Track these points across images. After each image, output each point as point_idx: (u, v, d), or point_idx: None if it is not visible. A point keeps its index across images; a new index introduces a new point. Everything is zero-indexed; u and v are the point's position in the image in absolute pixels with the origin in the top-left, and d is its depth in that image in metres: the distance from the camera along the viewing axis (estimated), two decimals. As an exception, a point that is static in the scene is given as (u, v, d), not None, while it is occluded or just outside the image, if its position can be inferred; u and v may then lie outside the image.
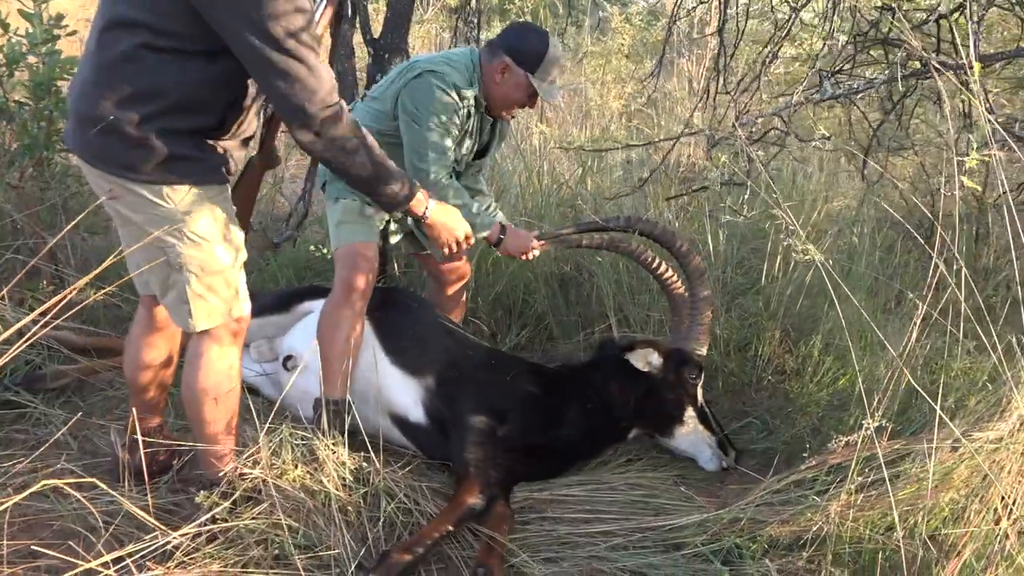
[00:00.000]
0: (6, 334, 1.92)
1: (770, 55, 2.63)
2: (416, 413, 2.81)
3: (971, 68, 1.47)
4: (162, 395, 2.49)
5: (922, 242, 2.21)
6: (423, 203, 2.37)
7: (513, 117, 3.14)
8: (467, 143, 3.00)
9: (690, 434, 2.86)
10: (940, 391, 1.88)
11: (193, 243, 2.08)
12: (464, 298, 3.41)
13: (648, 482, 2.78)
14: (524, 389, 2.83)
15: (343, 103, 2.01)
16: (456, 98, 2.82)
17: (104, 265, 2.05)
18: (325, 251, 3.07)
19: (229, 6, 1.82)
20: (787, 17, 2.54)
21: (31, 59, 3.28)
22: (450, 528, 2.34)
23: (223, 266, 2.14)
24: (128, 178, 1.99)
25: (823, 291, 3.19)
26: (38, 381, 2.94)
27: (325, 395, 2.65)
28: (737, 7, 2.94)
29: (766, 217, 2.76)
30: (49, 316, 1.85)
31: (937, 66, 1.73)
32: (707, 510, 2.35)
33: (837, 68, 2.54)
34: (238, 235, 2.21)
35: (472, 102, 2.89)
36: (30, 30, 3.25)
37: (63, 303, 1.91)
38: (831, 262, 3.43)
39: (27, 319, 1.99)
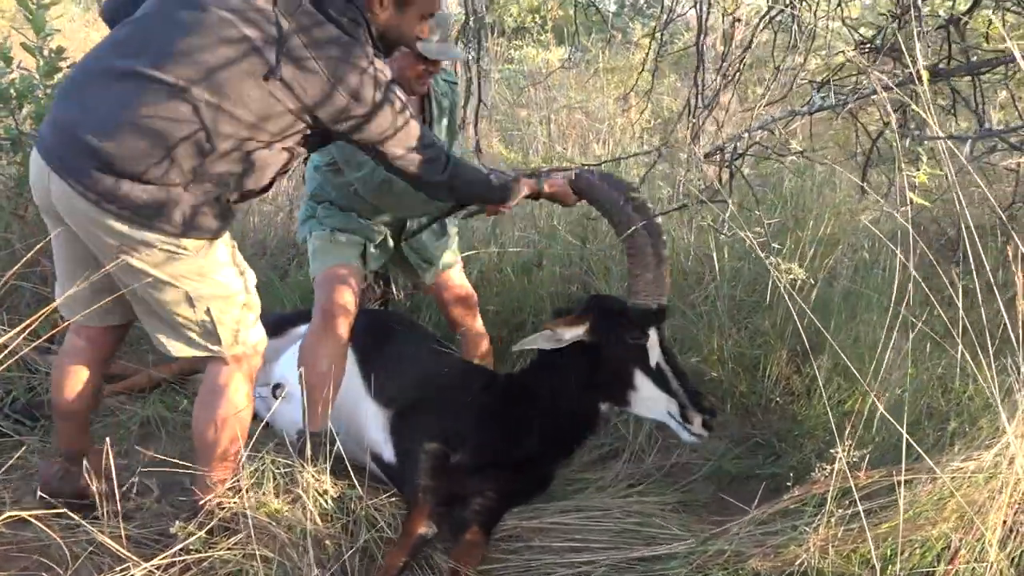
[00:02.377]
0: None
1: (740, 65, 2.56)
2: (388, 451, 2.75)
3: (919, 79, 1.39)
4: (86, 415, 2.51)
5: (931, 257, 2.11)
6: (532, 185, 2.67)
7: (422, 91, 2.91)
8: None
9: (647, 400, 2.62)
10: (942, 415, 1.79)
11: (222, 277, 2.15)
12: (478, 321, 3.36)
13: (646, 508, 2.69)
14: (480, 408, 2.73)
15: (444, 152, 2.30)
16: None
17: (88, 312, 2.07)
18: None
19: (370, 134, 2.10)
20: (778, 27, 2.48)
21: (38, 92, 3.35)
22: (404, 559, 2.29)
23: (238, 290, 2.20)
24: (158, 231, 1.99)
25: (830, 309, 3.09)
26: (38, 408, 2.97)
27: (310, 428, 2.62)
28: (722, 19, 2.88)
29: (766, 232, 2.67)
30: (28, 332, 1.87)
31: (883, 80, 1.64)
32: (698, 539, 2.26)
33: (826, 79, 2.45)
34: (243, 261, 2.26)
35: None
36: (33, 63, 3.32)
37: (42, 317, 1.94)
38: (843, 279, 3.36)
39: (10, 334, 2.01)
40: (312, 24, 1.97)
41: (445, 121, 3.05)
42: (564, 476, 2.93)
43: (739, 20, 2.52)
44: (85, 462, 2.49)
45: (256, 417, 3.11)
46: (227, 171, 2.02)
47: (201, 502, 2.27)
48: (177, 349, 2.23)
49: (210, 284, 2.12)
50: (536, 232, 4.17)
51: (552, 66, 7.41)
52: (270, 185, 2.20)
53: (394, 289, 3.79)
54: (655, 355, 2.63)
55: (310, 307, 3.39)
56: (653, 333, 2.63)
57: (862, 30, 3.19)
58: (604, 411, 2.77)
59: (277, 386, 3.07)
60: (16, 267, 2.05)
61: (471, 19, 3.83)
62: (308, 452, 2.36)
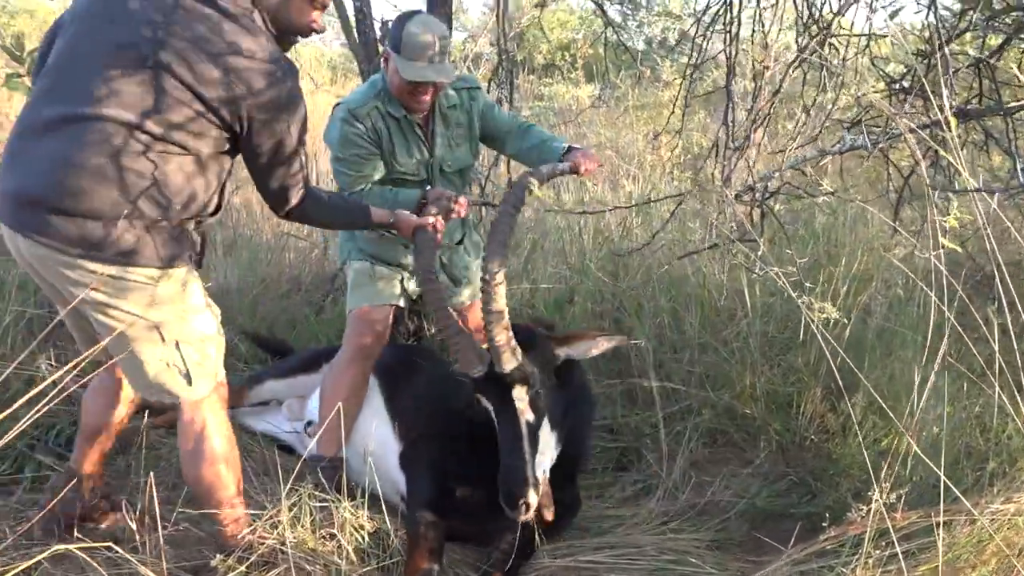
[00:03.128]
0: (40, 387, 2.01)
1: (770, 107, 2.59)
2: (403, 486, 2.75)
3: (947, 124, 1.41)
4: (108, 443, 2.57)
5: (963, 295, 2.10)
6: (384, 216, 2.60)
7: (416, 110, 2.91)
8: (403, 150, 2.93)
9: None
10: (981, 455, 1.78)
11: (190, 314, 2.17)
12: None
13: (680, 546, 2.69)
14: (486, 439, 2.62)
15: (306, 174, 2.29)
16: (352, 121, 2.84)
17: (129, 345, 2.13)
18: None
19: (259, 125, 2.06)
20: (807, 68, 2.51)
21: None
22: None
23: (211, 333, 2.23)
24: (134, 264, 2.03)
25: (864, 347, 3.07)
26: (82, 442, 3.04)
27: (320, 451, 2.67)
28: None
29: (799, 271, 2.67)
30: (79, 370, 1.93)
31: (911, 126, 1.66)
32: (733, 580, 2.25)
33: (858, 119, 2.47)
34: (211, 301, 2.29)
35: (375, 113, 2.86)
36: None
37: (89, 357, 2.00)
38: (877, 316, 3.35)
39: (60, 372, 2.08)
40: (194, 16, 2.00)
41: (454, 132, 3.02)
42: (598, 513, 2.94)
43: (768, 68, 2.55)
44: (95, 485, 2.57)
45: (292, 452, 3.20)
46: (159, 191, 2.02)
47: (238, 536, 2.32)
48: (147, 392, 2.25)
49: (186, 327, 2.15)
50: (568, 268, 4.20)
51: (582, 103, 7.50)
52: (218, 208, 2.22)
53: (426, 324, 3.83)
54: (494, 420, 2.43)
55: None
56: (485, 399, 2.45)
57: (892, 67, 3.22)
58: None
59: (309, 423, 3.13)
60: (69, 307, 2.10)
61: (503, 59, 3.91)
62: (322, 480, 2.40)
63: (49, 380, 1.96)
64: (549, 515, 2.38)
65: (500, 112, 3.15)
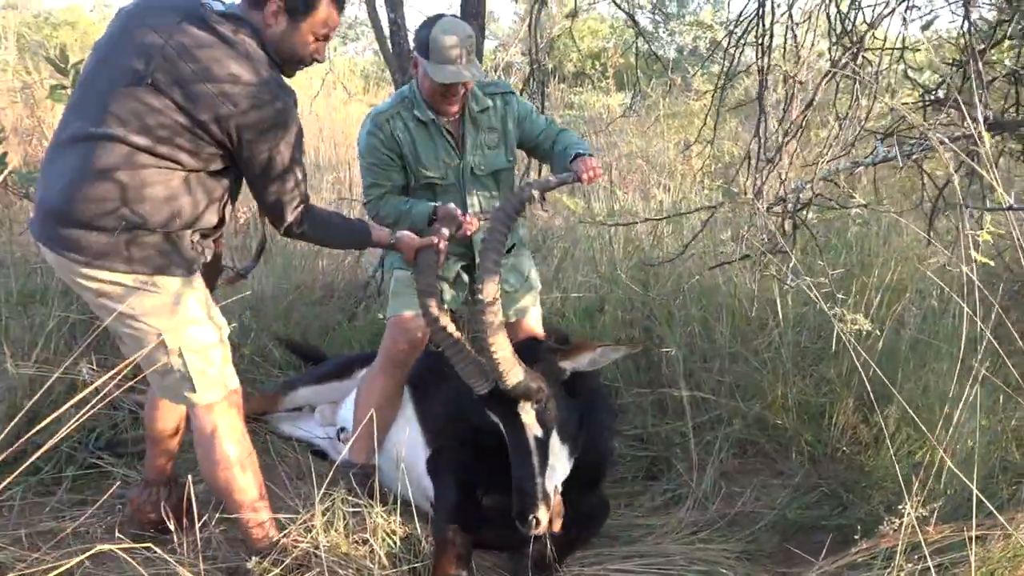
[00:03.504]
0: (83, 393, 2.08)
1: (803, 119, 2.57)
2: (431, 491, 2.77)
3: (980, 139, 1.41)
4: (174, 442, 2.67)
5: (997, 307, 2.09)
6: (385, 236, 2.64)
7: (448, 113, 2.91)
8: (430, 154, 2.93)
9: None
10: (1017, 469, 1.77)
11: (194, 323, 2.24)
12: None
13: (710, 556, 2.69)
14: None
15: (306, 191, 2.36)
16: (374, 129, 2.87)
17: (148, 348, 2.20)
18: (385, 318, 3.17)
19: (249, 143, 2.14)
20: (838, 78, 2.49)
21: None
22: None
23: (213, 342, 2.29)
24: (135, 273, 2.14)
25: (897, 358, 3.05)
26: (120, 445, 3.12)
27: (351, 458, 2.70)
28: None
29: (830, 282, 2.66)
30: (121, 377, 2.00)
31: (943, 139, 1.66)
32: (764, 591, 2.25)
33: (891, 130, 2.46)
34: (217, 313, 2.36)
35: (398, 121, 2.89)
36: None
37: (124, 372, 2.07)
38: (911, 327, 3.32)
39: (103, 378, 2.15)
40: (190, 41, 2.09)
41: (486, 136, 3.00)
42: (627, 521, 2.94)
43: (800, 82, 2.55)
44: (169, 491, 2.64)
45: (325, 457, 3.25)
46: (152, 204, 2.11)
47: (266, 538, 2.37)
48: (162, 393, 2.38)
49: (188, 334, 2.23)
50: (598, 277, 4.21)
51: (612, 111, 7.51)
52: (221, 222, 2.31)
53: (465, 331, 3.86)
54: (504, 435, 2.46)
55: (377, 350, 3.49)
56: (494, 416, 2.48)
57: (927, 75, 3.19)
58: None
59: (341, 429, 3.17)
60: (112, 317, 2.17)
61: (535, 69, 3.94)
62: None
63: (92, 387, 2.03)
64: (557, 526, 2.39)
65: (537, 118, 3.13)
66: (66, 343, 3.37)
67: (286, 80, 2.27)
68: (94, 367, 3.02)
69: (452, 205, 2.80)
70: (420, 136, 2.90)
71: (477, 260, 3.03)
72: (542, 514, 2.27)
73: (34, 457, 2.23)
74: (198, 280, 2.28)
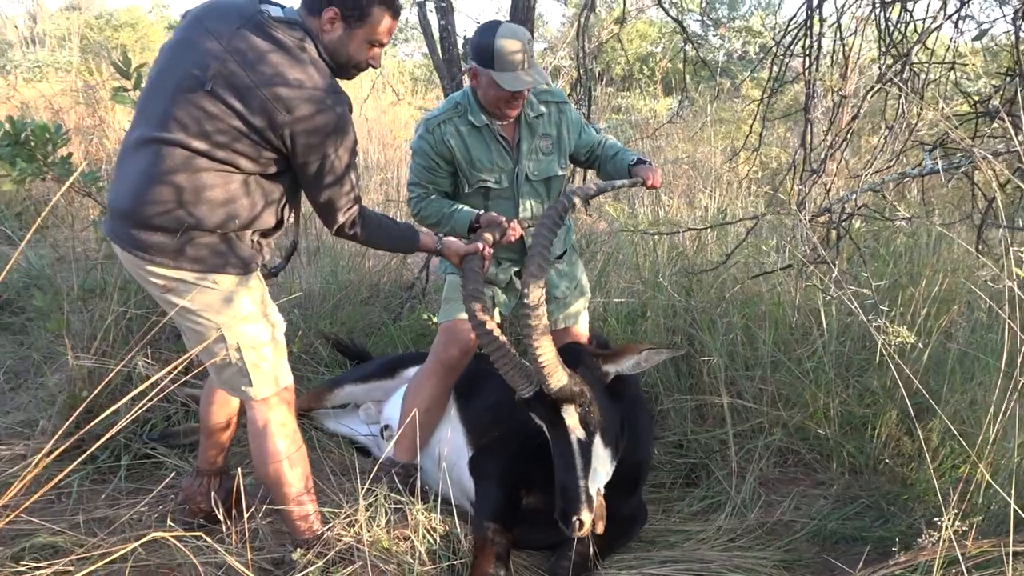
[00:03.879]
0: (141, 387, 2.18)
1: (848, 131, 2.56)
2: (472, 492, 2.81)
3: (1024, 158, 1.41)
4: (226, 435, 2.76)
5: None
6: (431, 243, 2.69)
7: (510, 118, 2.94)
8: (485, 158, 2.95)
9: None
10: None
11: (250, 320, 2.33)
12: None
13: (747, 563, 2.69)
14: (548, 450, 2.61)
15: (359, 194, 2.42)
16: (425, 134, 2.91)
17: (207, 342, 2.29)
18: (436, 320, 3.23)
19: (303, 147, 2.20)
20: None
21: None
22: None
23: (267, 340, 2.37)
24: (196, 271, 2.24)
25: (944, 371, 3.01)
26: (172, 437, 3.23)
27: (393, 456, 2.75)
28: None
29: (873, 293, 2.65)
30: (176, 372, 2.09)
31: (985, 154, 1.65)
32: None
33: (940, 141, 2.44)
34: (274, 311, 2.44)
35: (450, 127, 2.91)
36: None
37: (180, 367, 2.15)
38: (958, 339, 3.28)
39: (159, 374, 2.25)
40: (247, 47, 2.15)
41: (541, 142, 3.03)
42: (664, 527, 2.96)
43: (845, 97, 2.54)
44: (219, 482, 2.74)
45: (368, 454, 3.32)
46: (219, 207, 2.20)
47: (310, 531, 2.45)
48: (221, 385, 2.47)
49: (245, 330, 2.32)
50: (641, 283, 4.23)
51: (659, 116, 7.49)
52: (279, 223, 2.38)
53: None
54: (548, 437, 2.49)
55: (422, 350, 3.55)
56: (538, 418, 2.51)
57: (980, 83, 3.14)
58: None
59: (385, 427, 3.24)
60: (174, 311, 2.25)
61: (582, 74, 3.97)
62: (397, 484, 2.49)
63: (149, 381, 2.12)
64: (599, 528, 2.42)
65: (588, 130, 3.17)
66: (123, 337, 3.49)
67: (341, 85, 2.33)
68: (149, 360, 3.14)
69: (495, 213, 2.84)
70: (474, 141, 2.93)
71: None
72: (585, 516, 2.29)
73: (93, 448, 2.35)
74: (255, 279, 2.36)
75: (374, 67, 2.40)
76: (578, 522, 2.28)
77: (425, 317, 3.93)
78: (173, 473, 2.99)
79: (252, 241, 2.31)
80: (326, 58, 2.28)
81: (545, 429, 2.45)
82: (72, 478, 2.90)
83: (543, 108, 3.01)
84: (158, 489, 2.94)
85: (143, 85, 2.38)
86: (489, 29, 2.79)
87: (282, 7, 2.29)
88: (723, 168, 5.81)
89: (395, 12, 2.31)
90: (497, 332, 2.46)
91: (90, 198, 3.53)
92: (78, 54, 8.12)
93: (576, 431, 2.38)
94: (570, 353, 2.49)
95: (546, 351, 2.33)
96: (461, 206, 2.93)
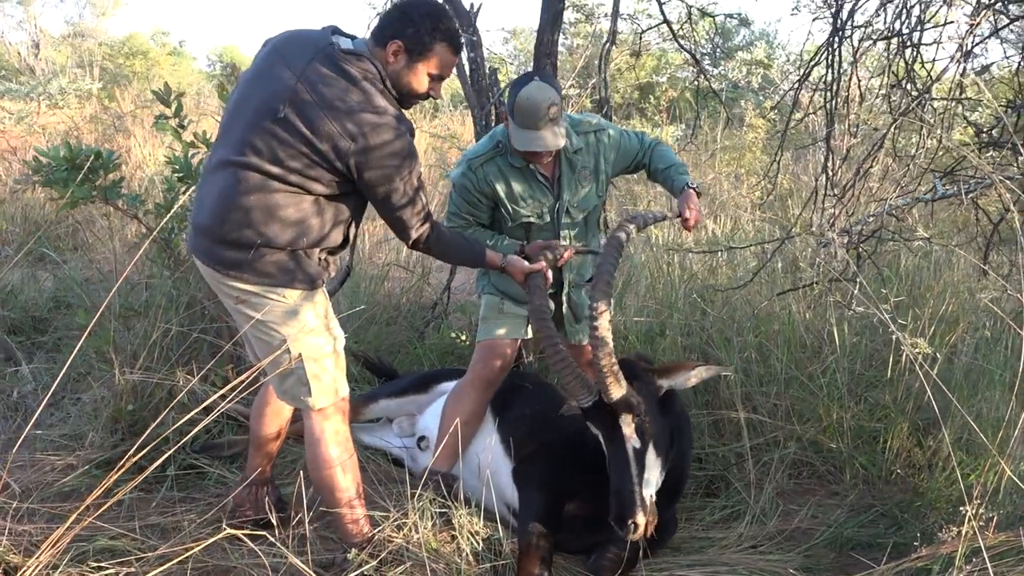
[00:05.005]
0: (196, 410, 2.35)
1: (871, 161, 2.75)
2: (516, 501, 2.94)
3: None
4: (275, 445, 2.91)
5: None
6: (496, 259, 2.84)
7: (540, 162, 3.07)
8: (527, 195, 3.08)
9: None
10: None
11: (314, 333, 2.49)
12: None
13: (771, 566, 2.83)
14: (595, 461, 2.75)
15: (430, 211, 2.57)
16: (469, 172, 3.06)
17: (276, 353, 2.45)
18: (464, 338, 3.39)
19: (369, 173, 2.34)
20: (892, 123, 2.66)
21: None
22: None
23: (328, 352, 2.53)
24: (266, 285, 2.41)
25: (951, 386, 3.17)
26: (215, 449, 3.38)
27: (433, 466, 2.90)
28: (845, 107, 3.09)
29: (892, 307, 2.81)
30: (232, 393, 2.24)
31: (1001, 178, 1.83)
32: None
33: (951, 168, 2.63)
34: (336, 325, 2.59)
35: (492, 166, 3.05)
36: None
37: (246, 381, 2.31)
38: (964, 356, 3.45)
39: (214, 396, 2.41)
40: (318, 78, 2.32)
41: (581, 176, 3.15)
42: (689, 535, 3.10)
43: (860, 128, 2.74)
44: (268, 490, 2.87)
45: (401, 465, 3.46)
46: (291, 226, 2.37)
47: (360, 534, 2.59)
48: (280, 395, 2.63)
49: (308, 342, 2.48)
50: (656, 303, 4.39)
51: (666, 143, 7.69)
52: (345, 241, 2.54)
53: (524, 353, 4.07)
54: (603, 445, 2.62)
55: (453, 366, 3.72)
56: (594, 427, 2.64)
57: (985, 112, 3.33)
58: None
59: (422, 438, 3.39)
60: (249, 324, 2.41)
61: (603, 108, 4.16)
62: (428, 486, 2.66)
63: (210, 401, 2.28)
64: (651, 531, 2.56)
65: (630, 141, 3.26)
66: (164, 355, 3.64)
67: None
68: (192, 376, 3.28)
69: (540, 240, 3.02)
70: (515, 179, 3.07)
71: (565, 290, 3.28)
72: (640, 519, 2.44)
73: (138, 456, 2.46)
74: (320, 294, 2.52)
75: (434, 98, 2.56)
76: (633, 525, 2.43)
77: (453, 335, 4.08)
78: (216, 483, 3.11)
79: (319, 259, 2.47)
80: (390, 87, 2.43)
81: (601, 438, 2.59)
82: (122, 487, 3.03)
83: (581, 143, 3.13)
84: (207, 497, 3.10)
85: (224, 112, 2.54)
86: (520, 82, 2.92)
87: (353, 38, 2.46)
88: (730, 194, 6.01)
89: (456, 48, 2.48)
90: (563, 345, 2.62)
91: (138, 220, 3.68)
92: (98, 83, 8.32)
93: (632, 440, 2.52)
94: (627, 367, 2.64)
95: (609, 363, 2.49)
96: (503, 237, 3.09)
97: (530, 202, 3.11)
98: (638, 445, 2.53)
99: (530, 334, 3.29)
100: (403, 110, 2.48)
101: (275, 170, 2.32)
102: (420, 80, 2.47)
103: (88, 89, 8.10)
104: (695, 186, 3.10)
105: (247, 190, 2.33)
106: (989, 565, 1.78)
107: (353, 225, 2.57)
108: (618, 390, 2.50)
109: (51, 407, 3.86)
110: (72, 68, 8.95)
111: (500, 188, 3.07)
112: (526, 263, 2.86)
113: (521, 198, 3.09)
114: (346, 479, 2.59)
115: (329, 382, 2.54)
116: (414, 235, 2.56)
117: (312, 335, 2.48)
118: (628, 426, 2.53)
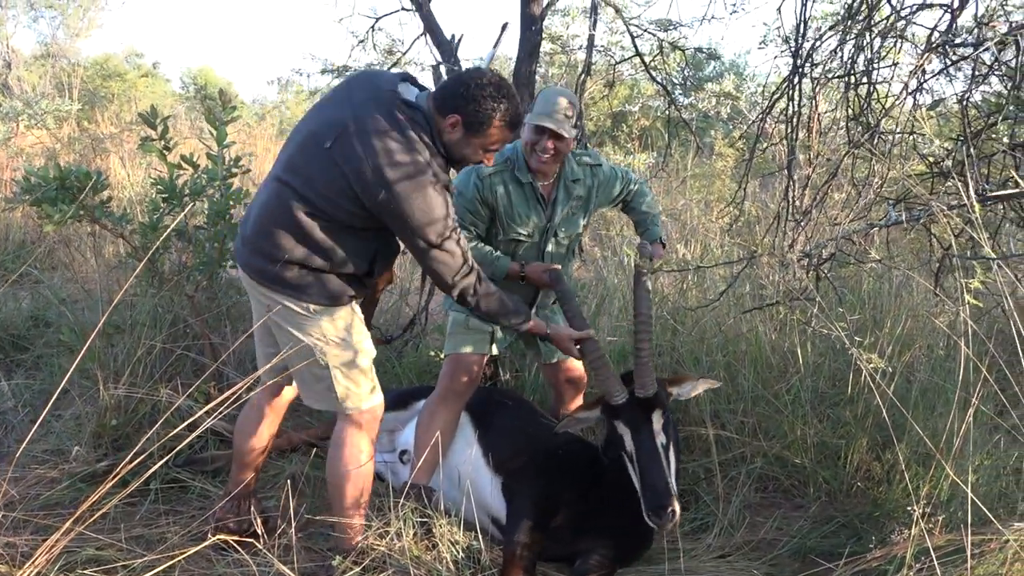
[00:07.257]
0: (181, 426, 2.44)
1: (827, 188, 2.93)
2: (503, 514, 3.05)
3: (972, 208, 1.74)
4: (259, 459, 3.00)
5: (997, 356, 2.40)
6: (542, 327, 2.94)
7: (546, 171, 3.24)
8: (523, 214, 3.26)
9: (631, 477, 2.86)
10: (1014, 499, 2.04)
11: (335, 345, 2.60)
12: (579, 402, 3.69)
13: (738, 574, 2.97)
14: (580, 474, 3.01)
15: (472, 264, 2.61)
16: (478, 180, 3.22)
17: (263, 370, 2.55)
18: (441, 356, 3.50)
19: (399, 222, 2.43)
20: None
21: (209, 191, 3.93)
22: None
23: (351, 363, 2.64)
24: (291, 297, 2.54)
25: (907, 403, 3.34)
26: (198, 463, 3.44)
27: (413, 480, 3.01)
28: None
29: (849, 326, 2.98)
30: (217, 409, 2.32)
31: (942, 207, 2.00)
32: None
33: (903, 196, 2.81)
34: (366, 338, 2.70)
35: (500, 178, 3.23)
36: (210, 167, 3.91)
37: (230, 399, 2.40)
38: (920, 374, 3.62)
39: (200, 413, 2.49)
40: (369, 121, 2.39)
41: (573, 204, 3.33)
42: (659, 545, 3.22)
43: (819, 157, 2.94)
44: (252, 503, 2.95)
45: (381, 480, 3.54)
46: (314, 246, 2.48)
47: (351, 542, 2.67)
48: (309, 400, 2.76)
49: (331, 352, 2.60)
50: (630, 322, 4.52)
51: (637, 170, 7.91)
52: (371, 272, 2.64)
53: (501, 371, 4.19)
54: (628, 443, 2.81)
55: (430, 384, 3.83)
56: (623, 424, 2.84)
57: (935, 145, 3.53)
58: None
59: (403, 452, 3.49)
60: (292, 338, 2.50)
61: (580, 138, 4.32)
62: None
63: (195, 418, 2.36)
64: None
65: (620, 179, 3.51)
66: (149, 370, 3.71)
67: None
68: (177, 393, 3.36)
69: (539, 263, 3.26)
70: (517, 196, 3.25)
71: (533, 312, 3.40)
72: (677, 506, 2.65)
73: (126, 469, 2.53)
74: (343, 310, 2.61)
75: (485, 164, 2.71)
76: (671, 512, 2.62)
77: (432, 353, 4.18)
78: (200, 496, 3.18)
79: (339, 282, 2.57)
80: (439, 146, 2.49)
81: (628, 434, 2.79)
82: (106, 500, 3.08)
83: (581, 173, 3.36)
84: (190, 510, 3.16)
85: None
86: (545, 89, 3.19)
87: (420, 88, 2.55)
88: (699, 219, 6.20)
89: (513, 127, 2.55)
90: (603, 350, 2.88)
91: (123, 239, 3.76)
92: (77, 104, 8.37)
93: (660, 435, 2.76)
94: None
95: (649, 356, 2.78)
96: (499, 254, 3.26)
97: (525, 220, 3.29)
98: (664, 441, 2.75)
99: (495, 351, 3.44)
100: (450, 168, 2.57)
101: (308, 194, 2.44)
102: (474, 153, 2.56)
103: (67, 110, 8.15)
104: (663, 239, 3.50)
105: (282, 207, 2.47)
106: (936, 564, 1.93)
107: (379, 258, 2.63)
108: (653, 386, 2.76)
109: (32, 422, 3.90)
110: (47, 89, 8.98)
111: (502, 203, 3.24)
112: (572, 331, 3.00)
113: (519, 215, 3.27)
114: (354, 488, 2.69)
115: (356, 392, 2.65)
116: (454, 292, 2.63)
117: (338, 346, 2.60)
118: (658, 421, 2.76)
